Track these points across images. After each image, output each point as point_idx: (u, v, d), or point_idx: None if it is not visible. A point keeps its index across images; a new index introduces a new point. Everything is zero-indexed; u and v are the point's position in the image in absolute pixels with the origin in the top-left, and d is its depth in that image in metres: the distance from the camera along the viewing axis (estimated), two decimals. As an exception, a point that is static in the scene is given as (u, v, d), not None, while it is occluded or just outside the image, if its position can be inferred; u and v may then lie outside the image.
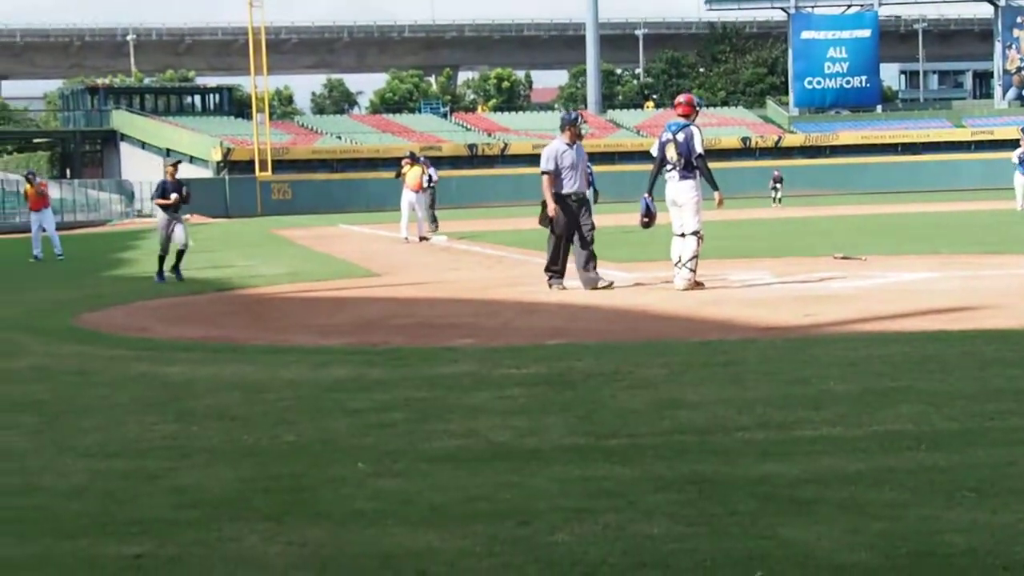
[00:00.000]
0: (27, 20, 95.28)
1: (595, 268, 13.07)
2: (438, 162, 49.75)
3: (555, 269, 13.26)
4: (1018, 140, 31.80)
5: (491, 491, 4.61)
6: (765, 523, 4.07)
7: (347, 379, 7.39)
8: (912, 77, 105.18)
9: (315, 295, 14.16)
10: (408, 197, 26.19)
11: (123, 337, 10.28)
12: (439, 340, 9.25)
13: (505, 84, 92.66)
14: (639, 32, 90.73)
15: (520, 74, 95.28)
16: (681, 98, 13.10)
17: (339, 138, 71.86)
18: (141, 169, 65.76)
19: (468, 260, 19.79)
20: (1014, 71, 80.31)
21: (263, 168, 63.50)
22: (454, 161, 68.27)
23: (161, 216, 16.94)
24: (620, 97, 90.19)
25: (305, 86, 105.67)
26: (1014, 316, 9.47)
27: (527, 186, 49.57)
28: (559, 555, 3.83)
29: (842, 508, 4.22)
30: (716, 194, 12.80)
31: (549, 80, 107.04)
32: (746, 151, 72.64)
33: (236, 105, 78.29)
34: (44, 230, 24.69)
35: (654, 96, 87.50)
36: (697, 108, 12.98)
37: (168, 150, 65.38)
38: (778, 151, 73.00)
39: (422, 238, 25.88)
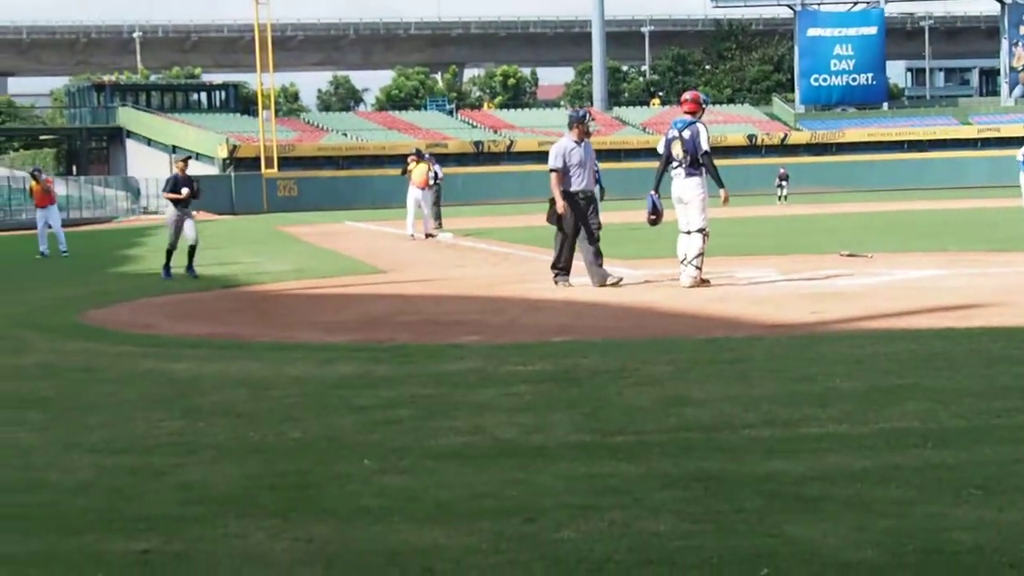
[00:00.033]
0: (33, 17, 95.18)
1: (601, 264, 13.06)
2: (444, 159, 49.73)
3: (561, 267, 13.26)
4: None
5: (497, 488, 4.61)
6: (771, 520, 4.07)
7: (353, 376, 7.39)
8: (918, 74, 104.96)
9: (321, 292, 14.17)
10: (414, 194, 26.23)
11: (129, 334, 10.29)
12: (445, 337, 9.25)
13: (511, 81, 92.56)
14: (645, 29, 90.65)
15: (526, 71, 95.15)
16: (687, 95, 13.06)
17: (345, 135, 71.83)
18: (147, 166, 65.82)
19: (474, 257, 19.79)
20: (1020, 68, 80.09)
21: (269, 165, 63.51)
22: (460, 158, 68.21)
23: (171, 211, 16.97)
24: (626, 94, 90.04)
25: (311, 83, 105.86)
26: (1021, 314, 9.46)
27: (533, 183, 49.69)
28: (565, 552, 3.83)
29: (848, 505, 4.22)
30: (722, 191, 12.79)
31: (555, 77, 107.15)
32: (752, 148, 72.58)
33: (242, 102, 78.17)
34: (50, 227, 24.72)
35: (660, 93, 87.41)
36: (703, 105, 12.96)
37: (174, 147, 65.29)
38: (784, 148, 72.93)
39: (428, 235, 25.92)
